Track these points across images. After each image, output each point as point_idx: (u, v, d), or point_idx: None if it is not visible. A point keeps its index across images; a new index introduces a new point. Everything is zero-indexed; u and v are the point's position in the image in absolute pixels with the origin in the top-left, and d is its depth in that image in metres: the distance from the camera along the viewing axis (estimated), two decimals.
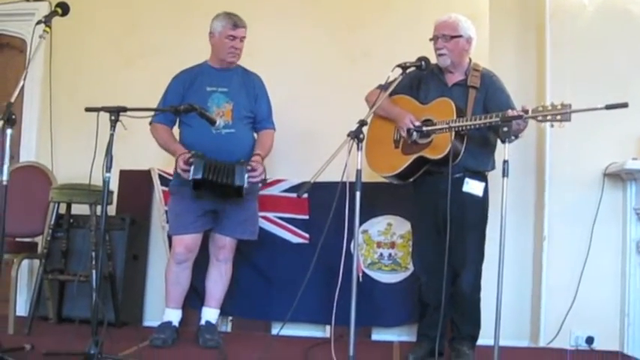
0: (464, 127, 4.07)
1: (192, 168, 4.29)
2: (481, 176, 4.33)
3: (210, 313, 4.76)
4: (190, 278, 4.75)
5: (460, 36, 4.30)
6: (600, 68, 4.90)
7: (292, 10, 5.72)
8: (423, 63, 4.08)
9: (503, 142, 3.79)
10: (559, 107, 3.69)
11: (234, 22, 4.57)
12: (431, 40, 4.35)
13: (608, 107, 3.60)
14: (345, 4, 5.69)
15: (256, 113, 4.72)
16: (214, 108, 4.55)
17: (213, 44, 4.66)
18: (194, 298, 5.01)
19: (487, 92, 4.30)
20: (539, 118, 3.76)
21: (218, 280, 4.74)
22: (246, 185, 4.37)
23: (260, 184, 4.63)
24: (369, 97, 4.50)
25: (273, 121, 4.81)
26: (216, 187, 4.35)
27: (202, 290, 4.86)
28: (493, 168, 4.39)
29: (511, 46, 5.32)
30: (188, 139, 4.57)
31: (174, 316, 4.70)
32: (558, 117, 3.69)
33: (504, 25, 5.31)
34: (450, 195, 4.06)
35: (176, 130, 4.73)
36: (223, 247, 4.70)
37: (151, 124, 4.63)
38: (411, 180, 4.41)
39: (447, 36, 4.29)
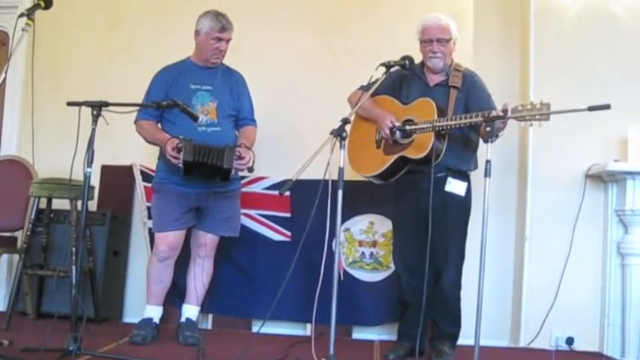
0: (445, 127, 4.08)
1: (182, 153, 4.26)
2: (463, 176, 4.34)
3: (190, 310, 4.74)
4: (172, 275, 4.72)
5: (451, 39, 4.34)
6: (583, 69, 4.92)
7: (277, 8, 5.71)
8: (406, 62, 4.09)
9: (485, 141, 3.81)
10: (538, 106, 3.72)
11: (222, 25, 4.52)
12: (423, 42, 4.36)
13: (591, 109, 3.61)
14: (329, 2, 5.68)
15: (239, 111, 4.71)
16: (199, 106, 4.52)
17: (197, 42, 4.62)
18: (174, 294, 4.97)
19: (468, 92, 4.33)
20: (519, 117, 3.78)
21: (199, 277, 4.70)
22: (233, 171, 4.38)
23: (247, 172, 4.58)
24: (351, 98, 4.50)
25: (255, 118, 4.80)
26: (206, 168, 4.33)
27: (183, 287, 4.84)
28: (475, 167, 4.40)
29: (495, 45, 5.32)
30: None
31: (155, 312, 4.67)
32: (537, 117, 3.72)
33: (488, 23, 5.31)
34: (432, 194, 4.07)
35: None
36: (205, 244, 4.69)
37: (136, 122, 4.59)
38: (392, 180, 4.42)
39: (442, 40, 4.31)
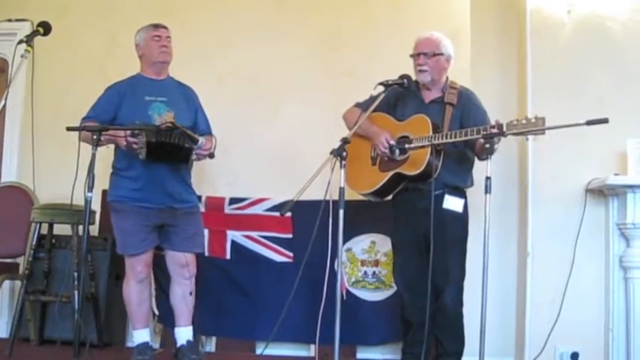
0: (443, 143, 4.09)
1: (143, 135, 4.16)
2: (460, 192, 4.35)
3: (187, 332, 4.59)
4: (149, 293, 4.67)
5: (441, 54, 4.35)
6: (580, 85, 4.91)
7: (274, 29, 5.74)
8: (405, 80, 4.11)
9: (480, 159, 3.82)
10: (533, 120, 3.73)
11: (154, 25, 4.58)
12: (412, 56, 4.39)
13: (589, 123, 3.63)
14: (327, 23, 5.73)
15: (195, 125, 4.63)
16: (156, 116, 4.42)
17: (142, 54, 4.62)
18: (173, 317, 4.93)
19: (464, 109, 4.34)
20: (517, 133, 3.80)
21: (187, 297, 4.57)
22: (194, 156, 4.38)
23: (208, 158, 4.52)
24: (346, 115, 4.53)
25: (211, 131, 4.72)
26: (167, 149, 4.23)
27: None
28: (472, 184, 4.42)
29: (492, 63, 5.33)
30: None
31: (148, 336, 4.57)
32: (535, 131, 3.73)
33: (485, 42, 5.33)
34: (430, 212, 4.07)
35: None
36: (187, 264, 4.54)
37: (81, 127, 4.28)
38: (390, 197, 4.43)
39: (428, 53, 4.32)
